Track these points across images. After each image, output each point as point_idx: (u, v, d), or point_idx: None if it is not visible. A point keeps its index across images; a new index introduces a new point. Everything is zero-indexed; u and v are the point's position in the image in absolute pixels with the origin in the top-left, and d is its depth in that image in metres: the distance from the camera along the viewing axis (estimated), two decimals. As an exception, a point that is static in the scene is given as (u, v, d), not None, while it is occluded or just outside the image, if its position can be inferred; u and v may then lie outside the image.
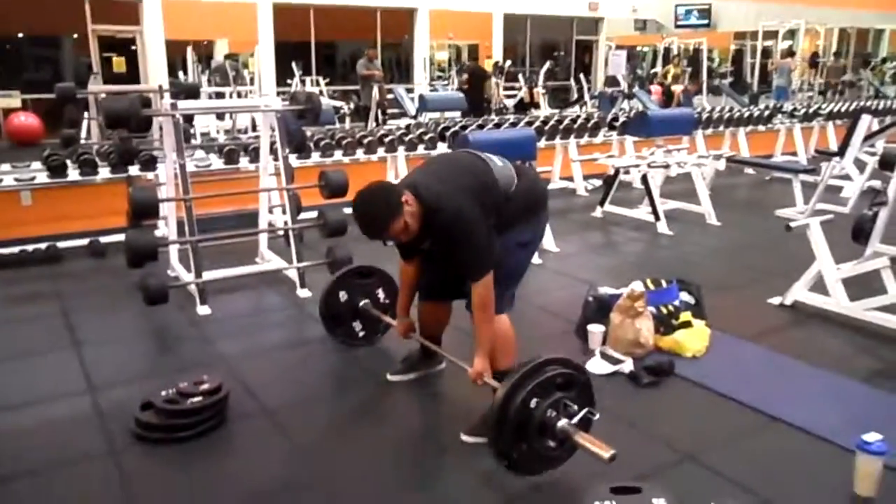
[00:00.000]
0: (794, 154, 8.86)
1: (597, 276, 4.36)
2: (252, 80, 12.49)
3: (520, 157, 2.99)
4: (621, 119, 7.86)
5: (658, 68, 17.14)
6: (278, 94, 11.40)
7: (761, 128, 9.04)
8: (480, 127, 7.04)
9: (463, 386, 2.61)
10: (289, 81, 12.87)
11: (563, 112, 10.47)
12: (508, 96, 13.61)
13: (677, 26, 19.41)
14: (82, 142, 6.55)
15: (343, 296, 3.36)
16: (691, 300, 3.67)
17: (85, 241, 5.08)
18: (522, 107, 13.21)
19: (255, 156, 5.41)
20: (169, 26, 12.15)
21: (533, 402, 2.18)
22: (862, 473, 2.25)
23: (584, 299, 3.61)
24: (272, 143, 4.45)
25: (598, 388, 2.41)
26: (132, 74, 12.22)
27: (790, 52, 15.66)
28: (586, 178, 7.32)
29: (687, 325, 3.44)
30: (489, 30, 16.28)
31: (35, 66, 13.56)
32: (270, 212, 4.94)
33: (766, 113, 9.16)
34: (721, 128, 8.56)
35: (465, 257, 2.47)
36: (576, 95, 14.44)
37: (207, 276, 4.06)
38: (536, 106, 13.25)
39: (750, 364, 3.27)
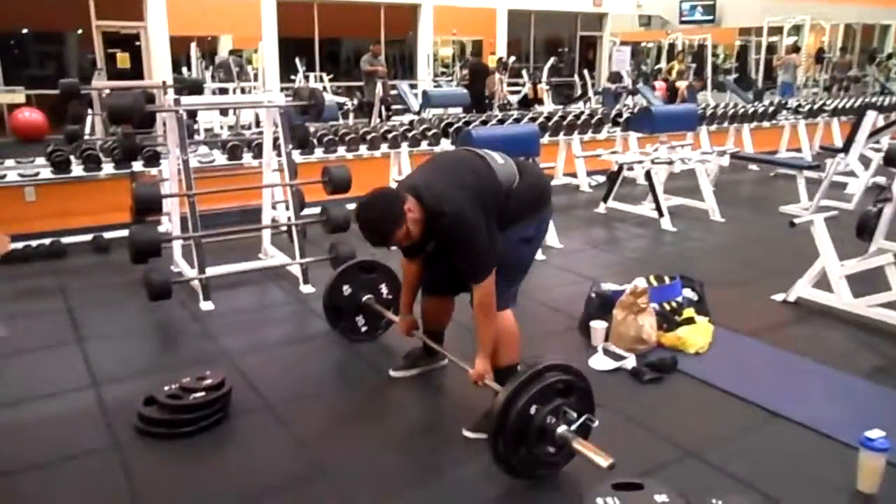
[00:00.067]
0: (799, 150, 8.84)
1: (600, 272, 4.35)
2: (256, 75, 12.51)
3: (523, 153, 2.99)
4: (625, 115, 7.84)
5: (662, 64, 17.09)
6: (282, 90, 11.40)
7: (766, 124, 9.01)
8: (484, 123, 7.03)
9: (465, 382, 2.62)
10: (292, 77, 12.87)
11: (567, 108, 10.46)
12: (512, 92, 13.59)
13: (682, 22, 19.34)
14: (86, 137, 6.56)
15: (346, 290, 3.37)
16: (694, 297, 3.67)
17: (89, 237, 5.10)
18: (526, 103, 13.18)
19: (258, 152, 5.42)
20: (173, 22, 12.16)
21: (533, 409, 2.19)
22: (865, 470, 2.25)
23: (586, 295, 3.61)
24: (275, 139, 4.45)
25: (601, 384, 2.41)
26: (136, 70, 12.23)
27: (795, 48, 15.58)
28: (590, 174, 7.31)
29: (690, 321, 3.44)
30: (493, 25, 16.26)
31: (39, 61, 13.58)
32: (273, 208, 4.95)
33: (771, 109, 9.13)
34: (725, 124, 8.53)
35: (466, 260, 2.47)
36: (580, 91, 14.41)
37: (210, 271, 4.07)
38: (540, 102, 13.21)
39: (753, 360, 3.26)
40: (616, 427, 2.62)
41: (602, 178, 7.06)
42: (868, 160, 6.52)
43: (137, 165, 5.23)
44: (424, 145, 6.41)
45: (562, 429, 2.20)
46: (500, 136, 4.98)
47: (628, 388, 3.00)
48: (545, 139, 6.76)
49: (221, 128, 9.68)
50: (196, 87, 6.25)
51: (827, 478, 2.36)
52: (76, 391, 2.99)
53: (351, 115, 10.54)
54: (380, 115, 10.00)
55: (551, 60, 14.46)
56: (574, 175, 7.31)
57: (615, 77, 13.63)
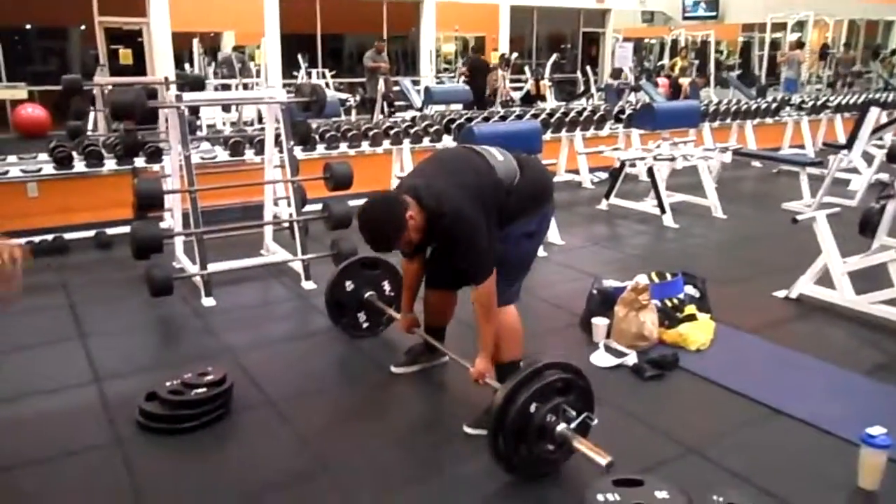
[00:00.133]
0: (802, 147, 8.82)
1: (602, 268, 4.35)
2: (258, 72, 12.50)
3: (525, 149, 2.97)
4: (628, 112, 7.83)
5: (665, 60, 17.03)
6: (284, 86, 11.40)
7: (769, 120, 9.00)
8: (486, 119, 7.03)
9: (466, 378, 2.62)
10: (295, 74, 12.87)
11: (570, 104, 10.45)
12: (515, 89, 13.58)
13: (685, 18, 19.32)
14: (88, 134, 6.56)
15: (349, 285, 3.38)
16: (696, 293, 3.67)
17: (91, 233, 5.11)
18: (529, 99, 13.18)
19: (260, 148, 5.42)
20: (175, 18, 12.17)
21: (532, 407, 2.19)
22: (866, 467, 2.25)
23: (588, 292, 3.61)
24: (277, 136, 4.45)
25: (602, 381, 2.41)
26: (138, 66, 12.23)
27: (799, 44, 15.54)
28: (592, 170, 7.30)
29: (691, 318, 3.44)
30: (496, 22, 16.24)
31: (42, 57, 13.58)
32: (275, 204, 4.95)
33: (774, 105, 9.11)
34: (728, 120, 8.51)
35: (467, 259, 2.48)
36: (582, 88, 14.40)
37: (212, 267, 4.07)
38: (543, 98, 13.21)
39: (754, 357, 3.26)
40: (617, 423, 2.62)
41: (604, 175, 7.05)
42: (871, 157, 6.51)
43: (139, 161, 5.22)
44: (426, 142, 6.40)
45: (561, 427, 2.20)
46: (503, 132, 4.98)
47: (629, 384, 3.00)
48: (547, 136, 6.74)
49: (224, 124, 9.68)
50: (198, 84, 6.27)
51: (828, 474, 2.36)
52: (78, 387, 3.00)
53: (353, 112, 10.54)
54: (382, 112, 10.00)
55: (554, 57, 14.45)
56: (576, 172, 7.30)
57: (618, 73, 13.62)
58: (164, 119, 5.16)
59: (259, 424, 2.70)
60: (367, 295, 3.38)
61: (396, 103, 10.49)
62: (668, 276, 3.68)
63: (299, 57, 12.94)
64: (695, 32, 17.33)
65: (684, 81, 13.92)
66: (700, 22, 18.85)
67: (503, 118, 7.26)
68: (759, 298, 4.01)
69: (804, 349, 3.30)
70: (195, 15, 12.95)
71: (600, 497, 1.96)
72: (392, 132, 6.31)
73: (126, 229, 4.13)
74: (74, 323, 3.69)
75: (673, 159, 6.04)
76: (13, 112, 10.46)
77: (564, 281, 4.35)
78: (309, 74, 12.85)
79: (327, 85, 12.18)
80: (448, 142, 6.44)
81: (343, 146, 6.23)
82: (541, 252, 4.51)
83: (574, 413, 2.23)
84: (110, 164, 5.28)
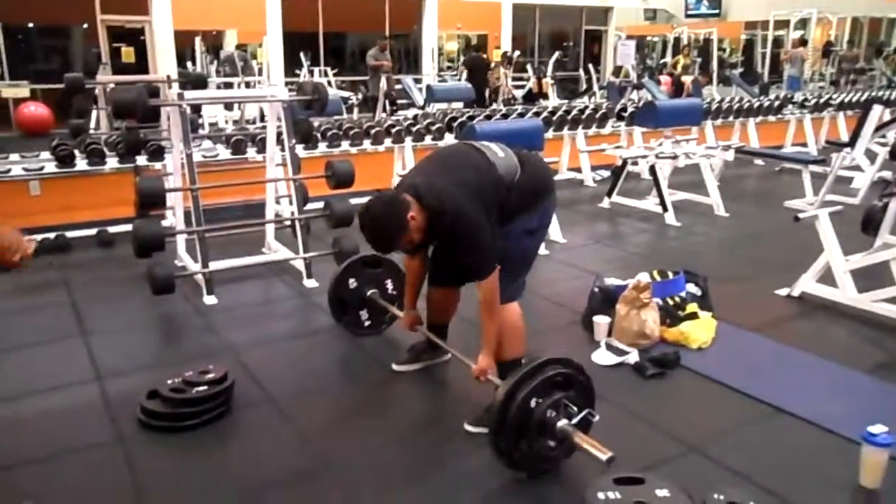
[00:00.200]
0: (805, 145, 8.80)
1: (603, 267, 4.34)
2: (260, 70, 12.51)
3: (527, 147, 2.97)
4: (630, 109, 7.82)
5: (668, 58, 17.02)
6: (287, 84, 11.40)
7: (771, 118, 8.98)
8: (488, 117, 7.02)
9: (467, 376, 2.62)
10: (297, 72, 12.88)
11: (572, 102, 10.43)
12: (517, 87, 13.57)
13: (687, 16, 19.29)
14: (91, 132, 6.57)
15: (352, 283, 3.39)
16: (698, 291, 3.66)
17: (93, 231, 5.12)
18: (531, 97, 13.16)
19: (262, 146, 5.41)
20: (177, 16, 12.18)
21: (533, 402, 2.19)
22: (867, 465, 2.24)
23: (590, 290, 3.60)
24: (279, 134, 4.45)
25: (603, 379, 2.41)
26: (141, 65, 12.24)
27: (802, 42, 15.50)
28: (594, 168, 7.29)
29: (693, 316, 3.43)
30: (498, 20, 16.24)
31: (44, 56, 13.60)
32: (277, 202, 4.95)
33: (777, 103, 9.09)
34: (731, 118, 8.50)
35: (469, 256, 2.48)
36: (584, 86, 14.38)
37: (214, 265, 4.07)
38: (545, 96, 13.20)
39: (756, 355, 3.25)
40: (618, 422, 2.62)
41: (606, 173, 7.04)
42: (874, 154, 6.50)
43: (141, 160, 5.23)
44: (428, 140, 6.41)
45: (562, 422, 2.20)
46: (504, 130, 4.97)
47: (631, 383, 3.00)
48: (549, 134, 6.74)
49: (226, 122, 9.69)
50: (200, 82, 6.27)
51: (830, 473, 2.36)
52: (80, 384, 3.00)
53: (356, 110, 10.55)
54: (384, 110, 10.00)
55: (556, 55, 14.44)
56: (578, 170, 7.29)
57: (619, 71, 13.60)
58: (166, 117, 5.16)
59: (260, 422, 2.71)
60: (369, 293, 3.38)
61: (398, 101, 10.49)
62: (670, 275, 3.68)
63: (301, 55, 12.94)
64: (697, 30, 17.32)
65: (687, 79, 13.90)
66: (703, 19, 18.83)
67: (505, 116, 7.26)
68: (761, 297, 4.00)
69: (806, 347, 3.29)
70: (197, 13, 12.96)
71: (601, 495, 1.96)
72: (394, 130, 6.31)
73: (128, 227, 4.14)
74: (76, 321, 3.70)
75: (675, 157, 6.03)
76: (16, 110, 10.50)
77: (566, 279, 4.35)
78: (311, 73, 12.85)
79: (329, 83, 12.19)
80: (450, 140, 6.44)
81: (345, 144, 6.23)
82: (542, 250, 4.51)
83: (575, 409, 2.23)
84: (112, 162, 5.28)
